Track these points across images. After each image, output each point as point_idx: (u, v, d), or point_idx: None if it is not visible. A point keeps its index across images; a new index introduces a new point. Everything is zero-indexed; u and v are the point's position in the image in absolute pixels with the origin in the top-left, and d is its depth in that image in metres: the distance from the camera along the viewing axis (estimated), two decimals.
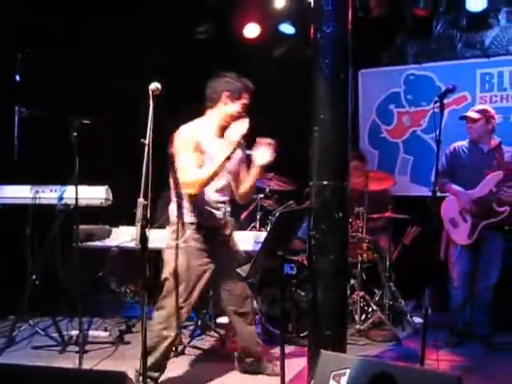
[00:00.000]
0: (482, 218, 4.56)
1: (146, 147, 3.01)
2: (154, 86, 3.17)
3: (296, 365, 3.98)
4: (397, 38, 6.58)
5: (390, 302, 5.20)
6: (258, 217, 5.51)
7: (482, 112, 4.69)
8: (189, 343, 4.70)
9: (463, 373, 2.68)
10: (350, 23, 3.47)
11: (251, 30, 6.18)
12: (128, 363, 3.92)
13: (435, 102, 3.56)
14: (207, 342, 4.85)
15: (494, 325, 4.72)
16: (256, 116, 6.40)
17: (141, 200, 2.95)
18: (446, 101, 3.72)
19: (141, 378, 3.13)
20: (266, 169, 5.43)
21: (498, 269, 4.61)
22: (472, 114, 4.64)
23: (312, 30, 3.46)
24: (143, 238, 2.96)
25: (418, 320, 5.11)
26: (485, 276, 4.66)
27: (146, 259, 3.03)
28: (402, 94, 6.59)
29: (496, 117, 4.76)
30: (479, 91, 6.15)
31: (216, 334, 4.93)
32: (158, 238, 4.50)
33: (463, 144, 4.77)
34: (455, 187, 4.60)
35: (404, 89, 6.58)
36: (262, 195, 5.52)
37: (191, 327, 5.13)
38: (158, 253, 4.56)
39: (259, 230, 5.33)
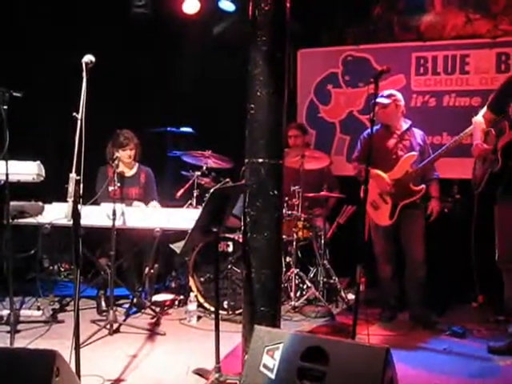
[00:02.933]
0: (401, 198, 4.71)
1: (79, 121, 2.95)
2: (88, 58, 3.10)
3: (231, 341, 4.02)
4: (336, 19, 6.62)
5: (325, 279, 5.31)
6: (195, 194, 5.50)
7: (391, 97, 4.82)
8: (124, 321, 4.67)
9: (391, 346, 2.75)
10: (288, 1, 3.47)
11: (190, 6, 6.08)
12: (61, 342, 3.88)
13: (370, 83, 3.60)
14: (143, 319, 4.83)
15: (429, 303, 4.88)
16: (194, 93, 6.44)
17: (73, 175, 2.89)
18: (382, 83, 3.79)
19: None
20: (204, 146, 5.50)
21: (422, 246, 4.77)
22: (382, 99, 4.75)
23: (250, 7, 3.44)
24: (75, 214, 2.90)
25: (351, 296, 5.24)
26: (409, 253, 4.82)
27: (79, 236, 2.98)
28: (339, 75, 6.65)
29: (402, 100, 4.90)
30: (414, 74, 6.27)
31: (152, 312, 4.92)
32: (93, 215, 4.47)
33: (376, 129, 4.89)
34: (373, 171, 4.69)
35: (342, 69, 6.65)
36: (198, 173, 5.51)
37: (127, 305, 5.11)
38: (92, 230, 4.54)
39: (195, 208, 5.32)
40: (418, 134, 4.90)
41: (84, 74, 3.04)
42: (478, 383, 3.62)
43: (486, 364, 3.92)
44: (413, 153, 4.74)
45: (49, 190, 4.58)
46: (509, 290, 4.10)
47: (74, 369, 2.90)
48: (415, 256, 4.76)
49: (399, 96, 4.87)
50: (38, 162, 4.52)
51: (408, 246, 4.81)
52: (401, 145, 4.83)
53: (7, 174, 4.02)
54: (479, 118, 4.23)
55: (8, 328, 4.14)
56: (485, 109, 4.20)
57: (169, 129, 6.34)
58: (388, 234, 4.85)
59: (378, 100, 4.63)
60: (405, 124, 4.91)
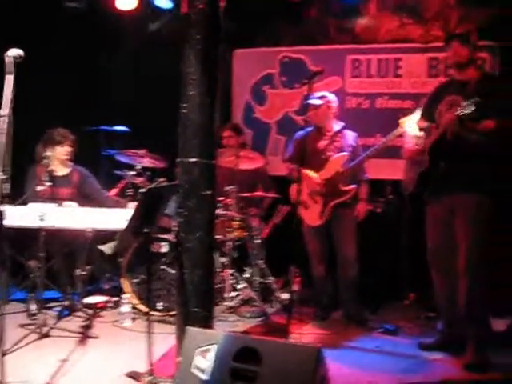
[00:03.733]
0: (331, 198, 4.78)
1: (3, 118, 2.84)
2: (16, 52, 2.99)
3: (166, 343, 3.97)
4: (272, 20, 6.65)
5: (260, 279, 5.32)
6: (129, 194, 5.40)
7: (323, 98, 4.89)
8: (55, 324, 4.54)
9: (324, 345, 2.78)
10: (222, 1, 3.46)
11: (125, 2, 5.97)
12: None
13: (303, 84, 3.63)
14: (75, 322, 4.71)
15: (362, 301, 4.96)
16: (128, 91, 6.33)
17: None
18: (318, 84, 3.82)
19: None
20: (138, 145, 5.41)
21: (353, 245, 4.85)
22: (314, 100, 4.80)
23: (184, 5, 3.41)
24: None
25: (286, 296, 5.27)
26: (341, 252, 4.88)
27: (3, 236, 2.88)
28: (276, 76, 6.68)
29: (334, 102, 4.96)
30: (349, 76, 6.36)
31: (84, 315, 4.81)
32: (22, 215, 4.34)
33: (308, 130, 4.95)
34: (303, 171, 4.73)
35: (279, 70, 6.68)
36: (133, 172, 5.42)
37: (58, 308, 4.98)
38: (21, 231, 4.40)
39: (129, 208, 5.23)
40: (349, 135, 4.97)
41: (8, 68, 2.92)
42: (408, 379, 3.69)
43: (417, 360, 4.01)
44: (343, 153, 4.81)
45: None
46: (436, 287, 4.21)
47: None
48: (347, 255, 4.83)
49: (331, 97, 4.93)
50: None
51: (339, 245, 4.88)
52: (332, 146, 4.89)
53: None
54: (412, 125, 4.30)
55: None
56: (419, 118, 4.28)
57: (102, 127, 6.21)
58: (320, 233, 4.91)
59: (310, 101, 4.68)
60: (336, 125, 4.97)
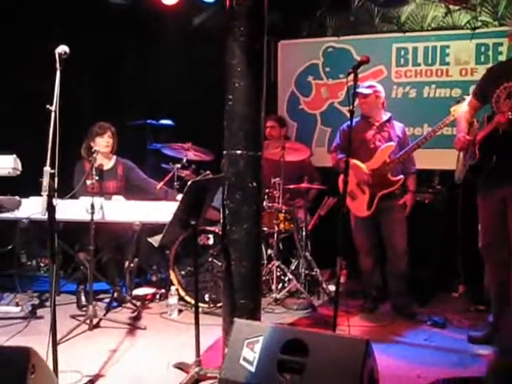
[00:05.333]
0: (379, 188, 4.71)
1: (53, 114, 2.89)
2: (62, 49, 3.03)
3: (212, 334, 3.99)
4: (317, 10, 6.60)
5: (306, 271, 5.30)
6: (175, 187, 5.45)
7: (371, 87, 4.82)
8: (104, 316, 4.63)
9: (372, 337, 2.75)
10: None
11: None
12: (40, 338, 3.82)
13: (349, 74, 3.58)
14: (123, 314, 4.79)
15: (410, 293, 4.88)
16: (173, 85, 6.37)
17: (47, 169, 2.84)
18: (363, 74, 3.76)
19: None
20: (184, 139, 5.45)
21: (403, 236, 4.77)
22: (364, 90, 4.75)
23: None
24: (50, 208, 2.85)
25: (332, 288, 5.23)
26: (390, 244, 4.81)
27: (55, 230, 2.93)
28: (320, 66, 6.64)
29: (382, 92, 4.89)
30: (395, 65, 6.27)
31: (132, 306, 4.88)
32: (71, 209, 4.42)
33: (356, 120, 4.88)
34: (351, 161, 4.67)
35: (323, 61, 6.63)
36: (178, 165, 5.46)
37: (107, 300, 5.07)
38: (71, 224, 4.49)
39: (175, 201, 5.27)
40: (397, 125, 4.90)
41: (58, 65, 2.97)
42: (458, 373, 3.61)
43: (466, 354, 3.93)
44: (391, 143, 4.75)
45: (26, 183, 4.50)
46: (489, 279, 4.12)
47: (51, 365, 2.86)
48: (396, 247, 4.76)
49: (379, 87, 4.87)
50: (14, 155, 4.45)
51: (388, 236, 4.81)
52: (379, 136, 4.83)
53: None
54: (464, 108, 4.22)
55: None
56: (470, 97, 4.20)
57: (148, 121, 6.28)
58: (367, 224, 4.85)
59: (359, 90, 4.63)
60: (384, 116, 4.91)
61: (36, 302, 4.99)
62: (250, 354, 2.89)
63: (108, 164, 5.29)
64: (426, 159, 5.29)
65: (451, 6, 5.99)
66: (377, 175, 4.72)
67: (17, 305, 4.72)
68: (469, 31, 5.90)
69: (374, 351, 2.83)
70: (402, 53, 6.24)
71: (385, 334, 4.34)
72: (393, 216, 4.77)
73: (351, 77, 3.54)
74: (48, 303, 4.98)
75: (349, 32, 6.48)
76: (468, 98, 4.23)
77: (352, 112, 3.55)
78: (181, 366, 3.58)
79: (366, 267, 4.97)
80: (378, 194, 4.71)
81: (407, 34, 6.21)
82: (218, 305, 4.69)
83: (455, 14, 5.99)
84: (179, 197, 5.07)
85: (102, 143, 5.12)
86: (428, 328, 4.49)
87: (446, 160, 5.28)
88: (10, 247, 4.67)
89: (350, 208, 4.87)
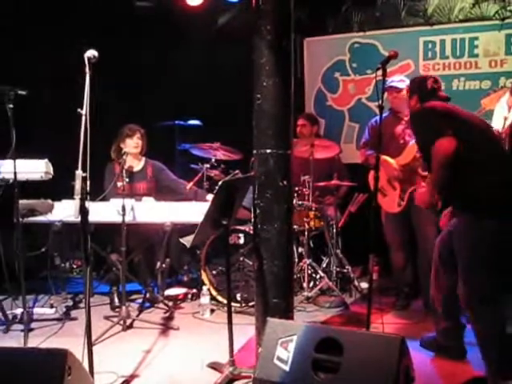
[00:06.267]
0: (410, 183, 4.66)
1: (84, 117, 2.92)
2: (91, 53, 3.06)
3: (245, 334, 4.00)
4: (342, 6, 6.56)
5: (337, 269, 5.28)
6: (205, 187, 5.47)
7: (402, 82, 4.77)
8: (137, 316, 4.66)
9: (406, 334, 2.72)
10: None
11: None
12: (75, 339, 3.87)
13: (377, 69, 3.55)
14: (156, 314, 4.83)
15: None
16: (200, 85, 6.39)
17: (79, 172, 2.87)
18: (390, 68, 3.72)
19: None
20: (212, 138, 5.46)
21: (434, 232, 4.68)
22: (398, 84, 4.70)
23: None
24: (83, 211, 2.88)
25: (364, 285, 5.20)
26: (422, 240, 4.76)
27: (88, 232, 2.96)
28: (347, 62, 6.60)
29: None
30: (422, 59, 6.20)
31: (165, 307, 4.91)
32: (103, 211, 4.46)
33: (384, 115, 4.82)
34: (381, 157, 4.62)
35: (349, 57, 6.59)
36: (207, 165, 5.48)
37: (139, 300, 5.11)
38: (102, 226, 4.53)
39: (206, 201, 5.29)
40: None
41: (87, 69, 3.00)
42: None
43: None
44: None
45: (58, 187, 4.56)
46: None
47: (87, 366, 2.89)
48: (428, 242, 4.69)
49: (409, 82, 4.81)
50: (46, 159, 4.52)
51: (420, 232, 4.75)
52: (408, 130, 4.76)
53: (15, 173, 4.02)
54: (502, 104, 4.14)
55: (22, 326, 4.15)
56: (508, 94, 4.11)
57: (176, 122, 6.32)
58: (398, 221, 4.80)
59: (393, 84, 4.61)
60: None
61: (70, 303, 5.06)
62: (284, 354, 2.88)
63: (138, 165, 5.33)
64: None
65: None
66: (407, 170, 4.66)
67: (51, 306, 4.79)
68: (498, 22, 5.81)
69: (409, 348, 2.80)
70: (430, 46, 6.17)
71: (419, 330, 4.27)
72: (424, 211, 4.70)
73: (380, 72, 3.51)
74: (81, 304, 5.05)
75: (375, 27, 6.43)
76: (502, 91, 4.15)
77: (381, 107, 3.51)
78: (215, 366, 3.59)
79: (398, 264, 4.92)
80: (409, 190, 4.66)
81: (434, 26, 6.13)
82: (250, 304, 4.69)
83: (483, 5, 5.90)
84: (209, 197, 5.10)
85: (132, 144, 5.15)
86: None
87: None
88: (43, 250, 4.72)
89: (381, 204, 4.83)
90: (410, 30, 6.24)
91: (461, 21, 6.02)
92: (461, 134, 3.23)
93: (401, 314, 4.74)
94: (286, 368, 2.85)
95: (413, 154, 4.64)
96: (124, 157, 4.76)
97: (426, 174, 4.59)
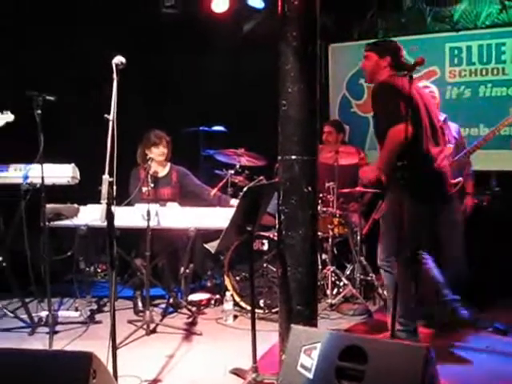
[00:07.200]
0: None
1: (111, 123, 2.95)
2: (118, 59, 3.10)
3: (268, 340, 3.99)
4: (367, 12, 6.55)
5: (361, 276, 5.25)
6: (229, 193, 5.48)
7: (426, 88, 4.73)
8: (161, 321, 4.68)
9: (431, 344, 2.69)
10: None
11: (219, 4, 6.06)
12: (99, 343, 3.89)
13: (404, 76, 3.53)
14: (179, 319, 4.84)
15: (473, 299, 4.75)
16: (225, 92, 6.42)
17: (106, 177, 2.89)
18: (415, 75, 3.70)
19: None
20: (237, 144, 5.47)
21: (461, 240, 4.65)
22: None
23: (279, 3, 3.39)
24: (109, 216, 2.91)
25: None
26: (448, 248, 4.68)
27: (114, 237, 2.98)
28: None
29: (437, 93, 4.80)
30: (448, 65, 6.16)
31: (188, 312, 4.92)
32: (128, 216, 4.50)
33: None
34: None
35: None
36: (232, 171, 5.49)
37: (163, 305, 5.13)
38: (127, 231, 4.56)
39: (230, 207, 5.30)
40: (453, 127, 4.80)
41: (114, 75, 3.04)
42: None
43: None
44: (448, 145, 4.63)
45: (84, 191, 4.61)
46: None
47: (111, 370, 2.90)
48: (453, 250, 4.65)
49: (434, 88, 4.78)
50: (73, 164, 4.57)
51: (446, 240, 4.69)
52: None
53: (43, 178, 4.08)
54: None
55: (47, 329, 4.20)
56: None
57: (201, 128, 6.34)
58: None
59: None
60: (439, 117, 4.80)
61: (94, 307, 5.10)
62: (308, 361, 2.86)
63: (163, 171, 5.36)
64: (483, 160, 5.15)
65: (506, 2, 5.84)
66: None
67: (76, 310, 4.84)
68: None
69: (434, 358, 2.77)
70: (456, 52, 6.14)
71: (444, 340, 4.24)
72: (451, 219, 4.66)
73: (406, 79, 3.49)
74: (105, 308, 5.09)
75: (400, 33, 6.40)
76: None
77: (407, 114, 3.49)
78: (237, 372, 3.58)
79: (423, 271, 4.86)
80: None
81: (460, 32, 6.10)
82: (273, 310, 4.68)
83: (510, 10, 5.84)
84: (233, 202, 5.11)
85: (158, 153, 5.19)
86: (489, 334, 4.35)
87: (504, 161, 5.15)
88: (69, 254, 4.77)
89: None
90: (436, 36, 6.22)
91: (487, 26, 5.98)
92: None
93: (426, 323, 4.67)
94: (310, 375, 2.83)
95: None
96: (149, 162, 4.79)
97: (454, 181, 4.55)
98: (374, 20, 6.55)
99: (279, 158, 3.37)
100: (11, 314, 4.64)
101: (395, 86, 3.76)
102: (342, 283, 5.13)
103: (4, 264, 4.46)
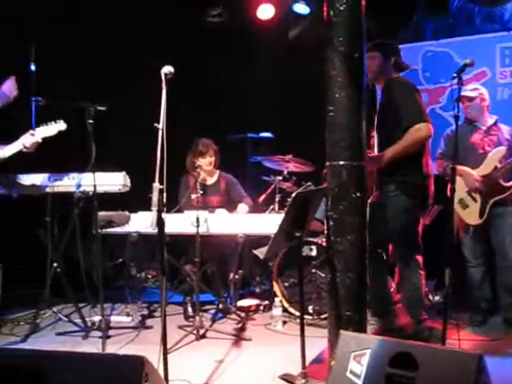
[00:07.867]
0: (491, 195, 4.51)
1: (160, 131, 3.01)
2: (167, 69, 3.16)
3: (317, 346, 3.98)
4: (414, 14, 6.47)
5: None
6: (277, 199, 5.50)
7: (476, 90, 4.66)
8: (210, 326, 4.72)
9: (484, 351, 2.63)
10: (363, 0, 3.41)
11: (265, 11, 6.10)
12: (150, 347, 3.95)
13: (453, 78, 3.48)
14: (229, 325, 4.87)
15: None
16: (272, 98, 6.45)
17: (156, 184, 2.95)
18: (465, 77, 3.66)
19: None
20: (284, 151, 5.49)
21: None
22: (468, 93, 4.59)
23: (325, 8, 3.40)
24: (160, 223, 2.96)
25: (437, 299, 5.07)
26: (501, 253, 4.59)
27: (164, 244, 3.04)
28: (419, 72, 6.49)
29: (487, 94, 4.71)
30: (499, 66, 6.03)
31: (237, 317, 4.95)
32: (178, 223, 4.56)
33: (460, 125, 4.70)
34: (460, 168, 4.52)
35: (422, 66, 6.48)
36: (280, 177, 5.51)
37: (212, 311, 5.17)
38: (177, 237, 4.62)
39: (278, 213, 5.32)
40: (504, 129, 4.70)
41: (164, 84, 3.10)
42: None
43: None
44: (502, 147, 4.54)
45: (134, 199, 4.71)
46: None
47: (162, 374, 2.95)
48: (507, 256, 4.54)
49: (484, 90, 4.70)
50: (124, 172, 4.66)
51: (500, 245, 4.59)
52: (487, 140, 4.63)
53: (95, 186, 4.16)
54: None
55: (100, 333, 4.29)
56: None
57: (248, 135, 6.38)
58: (477, 233, 4.66)
59: (463, 93, 4.49)
60: (490, 119, 4.72)
61: (145, 312, 5.18)
62: (357, 367, 2.84)
63: (211, 179, 5.43)
64: None
65: None
66: (488, 181, 4.52)
67: (127, 315, 4.93)
68: None
69: (488, 366, 2.71)
70: (507, 52, 5.99)
71: (497, 348, 4.14)
72: (505, 223, 4.56)
73: (455, 81, 3.45)
74: (156, 313, 5.17)
75: (448, 34, 6.30)
76: None
77: (457, 117, 3.45)
78: (286, 378, 3.58)
79: (476, 278, 4.77)
80: (490, 202, 4.51)
81: None
82: (322, 316, 4.67)
83: None
84: (240, 208, 5.17)
85: (205, 163, 5.26)
86: None
87: None
88: (120, 260, 4.86)
89: (462, 216, 4.69)
90: (486, 37, 6.08)
91: None
92: None
93: (477, 330, 4.59)
94: (359, 382, 2.81)
95: (494, 164, 4.50)
96: (198, 170, 4.85)
97: (508, 184, 4.46)
98: (420, 22, 6.46)
99: (327, 163, 3.36)
100: (66, 319, 4.77)
101: (413, 84, 3.80)
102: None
103: (58, 270, 4.59)
